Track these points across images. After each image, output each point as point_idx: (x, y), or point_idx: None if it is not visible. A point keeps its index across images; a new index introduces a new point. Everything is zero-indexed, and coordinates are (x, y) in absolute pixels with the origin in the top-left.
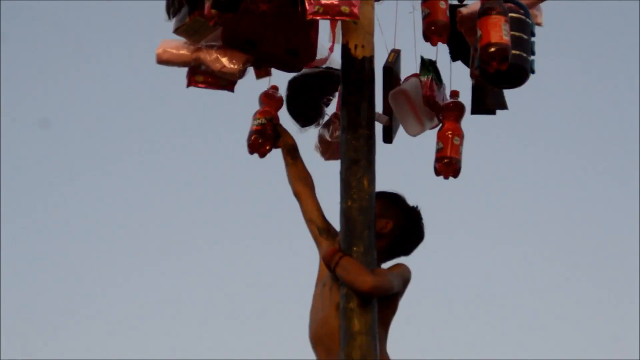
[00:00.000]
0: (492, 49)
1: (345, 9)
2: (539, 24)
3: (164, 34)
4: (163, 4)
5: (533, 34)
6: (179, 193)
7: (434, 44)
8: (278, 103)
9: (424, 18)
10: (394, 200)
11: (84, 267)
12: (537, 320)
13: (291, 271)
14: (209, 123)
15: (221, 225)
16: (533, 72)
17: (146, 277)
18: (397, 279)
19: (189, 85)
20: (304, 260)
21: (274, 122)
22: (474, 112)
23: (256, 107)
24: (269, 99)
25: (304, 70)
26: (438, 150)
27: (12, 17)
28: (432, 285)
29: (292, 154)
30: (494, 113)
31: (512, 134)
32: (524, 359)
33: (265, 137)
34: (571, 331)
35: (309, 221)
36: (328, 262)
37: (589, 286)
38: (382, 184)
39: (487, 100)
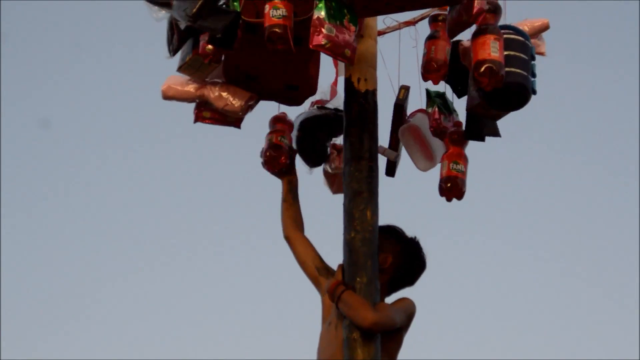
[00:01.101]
0: (482, 66)
1: (347, 52)
2: (541, 54)
3: (164, 34)
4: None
5: (533, 57)
6: (179, 193)
7: (435, 82)
8: (291, 127)
9: (424, 56)
10: (391, 234)
11: (84, 266)
12: (536, 320)
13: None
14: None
15: (221, 225)
16: (534, 92)
17: (146, 277)
18: (399, 314)
19: (196, 121)
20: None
21: (290, 146)
22: (466, 138)
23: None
24: (283, 122)
25: (314, 112)
26: (447, 170)
27: (12, 17)
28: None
29: (293, 193)
30: (483, 140)
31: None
32: (524, 359)
33: (281, 152)
34: (571, 331)
35: (303, 264)
36: (331, 295)
37: (588, 286)
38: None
39: (481, 128)
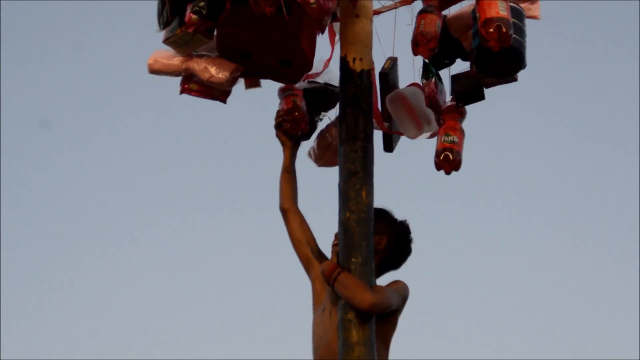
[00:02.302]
0: (491, 25)
1: (325, 20)
2: (535, 17)
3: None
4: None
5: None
6: (179, 193)
7: (425, 56)
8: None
9: (414, 30)
10: (384, 216)
11: (84, 266)
12: (536, 319)
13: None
14: (209, 122)
15: (222, 224)
16: (525, 65)
17: (146, 277)
18: (395, 296)
19: (182, 92)
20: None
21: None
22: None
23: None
24: (296, 89)
25: (303, 85)
26: (440, 144)
27: (12, 17)
28: (432, 284)
29: (294, 165)
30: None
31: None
32: (524, 359)
33: (304, 116)
34: (571, 331)
35: (298, 242)
36: (327, 277)
37: (589, 286)
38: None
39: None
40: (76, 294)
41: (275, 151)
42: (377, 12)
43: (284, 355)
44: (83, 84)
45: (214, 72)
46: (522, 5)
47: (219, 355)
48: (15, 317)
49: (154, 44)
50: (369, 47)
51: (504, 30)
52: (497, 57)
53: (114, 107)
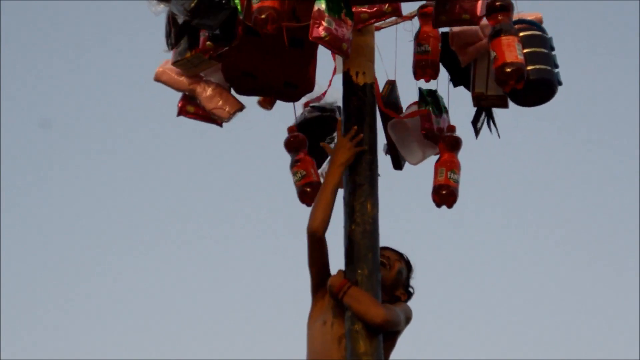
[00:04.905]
0: (509, 69)
1: (344, 46)
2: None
3: (163, 34)
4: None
5: (553, 48)
6: (179, 192)
7: (427, 81)
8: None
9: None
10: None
11: (84, 266)
12: (536, 319)
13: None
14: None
15: (221, 224)
16: (560, 83)
17: (146, 276)
18: (402, 317)
19: (179, 114)
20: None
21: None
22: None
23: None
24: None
25: (307, 114)
26: (445, 179)
27: (12, 17)
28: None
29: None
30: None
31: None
32: (524, 359)
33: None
34: (571, 331)
35: (317, 269)
36: (337, 291)
37: (588, 286)
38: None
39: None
40: (76, 293)
41: (275, 153)
42: (378, 28)
43: (284, 355)
44: (83, 84)
45: (220, 104)
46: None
47: (219, 355)
48: (15, 317)
49: (154, 44)
50: (371, 61)
51: (520, 74)
52: (525, 90)
53: (114, 107)
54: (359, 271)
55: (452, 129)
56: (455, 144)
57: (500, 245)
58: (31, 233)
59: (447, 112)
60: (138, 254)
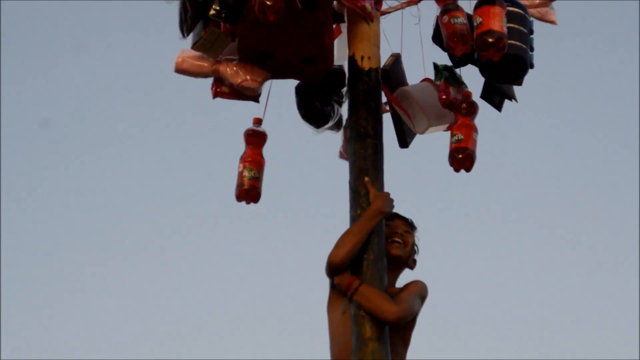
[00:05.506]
0: (491, 39)
1: (368, 6)
2: (552, 22)
3: (163, 34)
4: (163, 4)
5: (532, 31)
6: (179, 192)
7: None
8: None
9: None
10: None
11: (84, 265)
12: (536, 319)
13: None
14: (209, 122)
15: (222, 224)
16: (532, 66)
17: (145, 276)
18: (417, 301)
19: (215, 96)
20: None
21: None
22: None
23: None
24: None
25: None
26: (454, 142)
27: (12, 17)
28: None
29: None
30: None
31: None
32: (523, 359)
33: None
34: (570, 331)
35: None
36: (345, 290)
37: (588, 286)
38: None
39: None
40: (76, 293)
41: (277, 153)
42: (383, 13)
43: (288, 355)
44: (83, 84)
45: (246, 77)
46: (538, 10)
47: (219, 355)
48: (15, 317)
49: (154, 44)
50: (376, 45)
51: (501, 45)
52: (496, 65)
53: (114, 107)
54: (365, 256)
55: (467, 94)
56: (469, 109)
57: (501, 240)
58: (31, 233)
59: (465, 84)
60: (138, 253)
